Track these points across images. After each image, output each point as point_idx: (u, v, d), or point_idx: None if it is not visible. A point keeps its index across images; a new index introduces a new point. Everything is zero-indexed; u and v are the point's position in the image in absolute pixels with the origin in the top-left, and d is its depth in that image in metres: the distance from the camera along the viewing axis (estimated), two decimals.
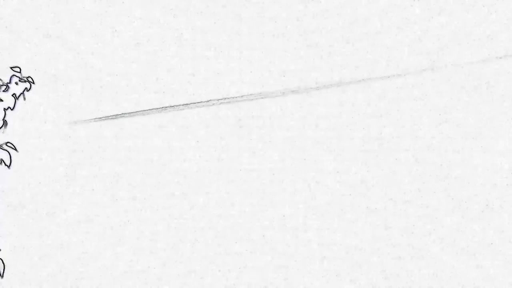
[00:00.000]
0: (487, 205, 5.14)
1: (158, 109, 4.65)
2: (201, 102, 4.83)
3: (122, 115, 4.61)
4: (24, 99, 4.23)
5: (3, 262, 4.26)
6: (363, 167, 5.17)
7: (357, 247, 5.13)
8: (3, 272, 4.20)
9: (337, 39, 5.22)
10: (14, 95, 4.20)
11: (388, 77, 5.18)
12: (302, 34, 5.20)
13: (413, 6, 5.22)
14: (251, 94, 4.97)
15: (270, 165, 5.14)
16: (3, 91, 4.17)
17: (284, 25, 5.22)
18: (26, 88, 4.21)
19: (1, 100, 4.18)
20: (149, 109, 4.65)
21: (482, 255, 5.08)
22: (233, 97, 4.93)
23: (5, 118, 4.19)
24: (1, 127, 4.19)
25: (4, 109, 4.20)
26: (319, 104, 5.20)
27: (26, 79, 4.20)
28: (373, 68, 5.21)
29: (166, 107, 4.76)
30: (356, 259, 5.10)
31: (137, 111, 4.59)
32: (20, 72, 4.24)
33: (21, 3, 4.33)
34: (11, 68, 4.21)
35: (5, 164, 4.22)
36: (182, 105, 4.74)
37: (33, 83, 4.22)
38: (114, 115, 4.52)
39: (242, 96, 4.96)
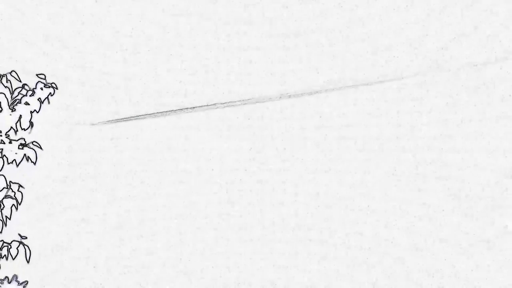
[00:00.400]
0: (487, 205, 5.10)
1: (165, 112, 4.78)
2: (207, 105, 4.91)
3: (137, 117, 4.75)
4: (49, 103, 4.55)
5: (29, 249, 4.58)
6: (363, 167, 5.12)
7: (357, 246, 5.08)
8: (29, 258, 4.57)
9: (337, 40, 5.16)
10: (39, 99, 4.52)
11: (388, 78, 5.12)
12: (303, 36, 5.14)
13: (414, 7, 5.18)
14: (259, 97, 4.98)
15: (273, 166, 5.08)
16: (30, 95, 4.51)
17: (286, 29, 5.16)
18: (50, 93, 4.53)
19: (28, 104, 4.50)
20: (163, 111, 4.77)
21: (483, 254, 5.05)
22: (239, 100, 4.97)
23: (32, 120, 4.52)
24: (28, 128, 4.53)
25: (31, 111, 4.51)
26: (321, 105, 5.13)
27: (50, 85, 4.52)
28: (373, 69, 5.17)
29: (175, 110, 4.84)
30: (356, 258, 5.06)
31: (155, 113, 4.77)
32: (45, 79, 4.56)
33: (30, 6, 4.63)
34: (37, 75, 4.53)
35: (31, 161, 4.54)
36: (198, 107, 4.85)
37: (57, 88, 4.53)
38: (128, 117, 4.70)
39: (249, 99, 4.97)
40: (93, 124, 4.68)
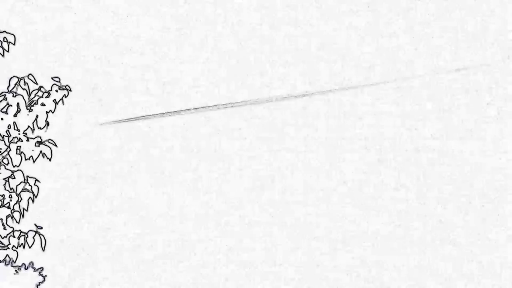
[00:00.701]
0: (487, 204, 5.14)
1: (171, 113, 4.89)
2: (208, 106, 4.97)
3: (144, 117, 4.89)
4: (63, 104, 4.81)
5: (44, 238, 4.83)
6: (363, 167, 5.14)
7: (357, 246, 5.11)
8: (44, 247, 4.92)
9: (336, 43, 5.16)
10: (54, 101, 4.79)
11: (388, 81, 5.13)
12: (302, 39, 5.13)
13: (414, 9, 5.17)
14: (258, 98, 5.01)
15: (275, 165, 5.10)
16: (45, 97, 4.79)
17: (288, 31, 5.15)
18: (64, 94, 4.80)
19: (44, 105, 4.77)
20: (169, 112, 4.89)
21: (483, 254, 5.09)
22: (240, 101, 5.02)
23: (47, 120, 4.80)
24: (44, 126, 4.80)
25: (46, 112, 4.78)
26: (322, 106, 5.14)
27: (64, 87, 4.80)
28: (373, 69, 5.17)
29: (181, 110, 4.94)
30: (357, 257, 5.09)
31: (168, 112, 4.91)
32: (59, 82, 4.82)
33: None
34: (52, 78, 4.80)
35: (47, 158, 4.81)
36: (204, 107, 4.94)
37: (70, 90, 4.80)
38: (138, 117, 4.87)
39: (250, 100, 5.01)
40: (101, 124, 4.91)
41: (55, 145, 4.85)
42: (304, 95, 5.10)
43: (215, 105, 4.98)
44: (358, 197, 5.09)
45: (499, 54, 5.12)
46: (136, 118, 4.95)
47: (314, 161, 5.11)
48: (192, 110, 4.98)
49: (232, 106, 4.98)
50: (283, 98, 5.08)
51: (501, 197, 5.08)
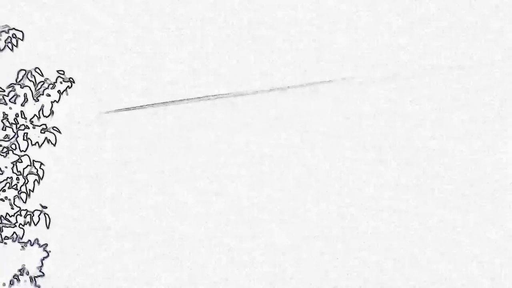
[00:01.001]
0: (487, 204, 5.09)
1: (166, 103, 5.05)
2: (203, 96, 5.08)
3: (140, 107, 5.10)
4: (67, 94, 5.13)
5: (48, 217, 5.13)
6: (363, 168, 5.12)
7: (356, 246, 5.10)
8: (49, 224, 5.15)
9: (335, 42, 5.17)
10: (58, 91, 5.12)
11: (388, 78, 5.10)
12: (300, 35, 5.15)
13: (414, 9, 5.15)
14: (256, 91, 5.06)
15: (267, 158, 5.11)
16: (51, 88, 5.12)
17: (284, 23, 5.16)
18: (68, 86, 5.14)
19: (49, 95, 5.10)
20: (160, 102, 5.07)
21: (483, 254, 5.05)
22: (230, 93, 5.07)
23: (52, 109, 5.12)
24: (49, 115, 5.11)
25: (51, 102, 5.11)
26: (321, 106, 5.13)
27: (68, 79, 5.15)
28: (373, 69, 5.16)
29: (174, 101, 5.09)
30: (357, 257, 5.07)
31: (172, 101, 5.08)
32: (64, 74, 5.16)
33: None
34: (57, 71, 5.15)
35: (51, 143, 5.13)
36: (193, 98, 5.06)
37: (74, 82, 5.13)
38: (132, 107, 5.10)
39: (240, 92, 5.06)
40: (101, 113, 5.17)
41: (59, 132, 5.16)
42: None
43: (195, 98, 5.17)
44: (358, 197, 5.09)
45: (499, 54, 5.07)
46: (134, 108, 5.19)
47: (314, 161, 5.13)
48: (185, 101, 5.15)
49: (217, 98, 5.10)
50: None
51: (501, 197, 5.02)
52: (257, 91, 5.16)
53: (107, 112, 5.20)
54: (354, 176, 5.11)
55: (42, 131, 5.10)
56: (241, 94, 5.17)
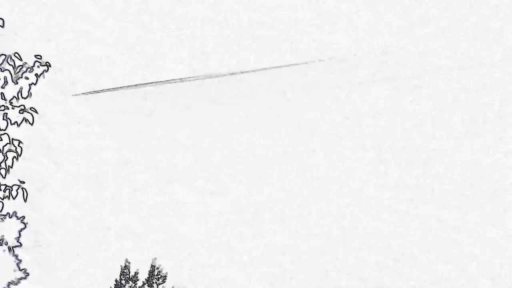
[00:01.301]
0: (487, 204, 5.10)
1: (141, 85, 5.23)
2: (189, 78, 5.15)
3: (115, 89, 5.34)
4: (44, 77, 5.48)
5: (26, 191, 5.35)
6: (363, 167, 5.14)
7: (355, 243, 5.11)
8: (26, 198, 5.32)
9: (336, 42, 5.18)
10: (36, 75, 5.47)
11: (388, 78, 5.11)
12: (299, 37, 5.15)
13: (415, 8, 5.17)
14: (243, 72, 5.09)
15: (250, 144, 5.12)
16: (29, 72, 5.47)
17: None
18: (44, 70, 5.49)
19: (27, 78, 5.45)
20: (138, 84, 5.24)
21: (483, 254, 5.06)
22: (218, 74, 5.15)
23: (30, 91, 5.46)
24: (27, 96, 5.45)
25: (29, 84, 5.47)
26: (321, 105, 5.14)
27: (45, 64, 5.49)
28: (372, 69, 5.19)
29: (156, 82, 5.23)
30: (357, 257, 5.09)
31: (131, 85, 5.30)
32: (41, 59, 5.49)
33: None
34: (35, 56, 5.48)
35: (29, 123, 5.46)
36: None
37: (50, 66, 5.47)
38: (109, 89, 5.33)
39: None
40: (74, 95, 5.43)
41: (36, 112, 5.48)
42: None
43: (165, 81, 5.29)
44: (358, 197, 5.11)
45: (499, 54, 5.09)
46: (103, 90, 5.41)
47: (314, 161, 5.15)
48: (154, 84, 5.29)
49: (241, 95, 5.13)
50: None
51: (501, 197, 5.03)
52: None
53: (81, 94, 5.46)
54: (354, 176, 5.12)
55: (21, 112, 5.44)
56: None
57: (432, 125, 5.13)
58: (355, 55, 5.17)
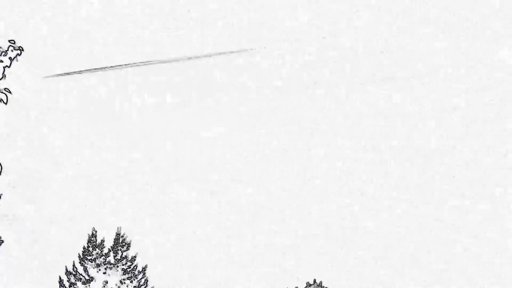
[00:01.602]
0: (487, 204, 5.10)
1: (104, 68, 5.45)
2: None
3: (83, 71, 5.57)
4: (17, 61, 5.68)
5: (1, 165, 5.48)
6: (363, 168, 5.15)
7: (355, 244, 5.11)
8: (0, 171, 5.50)
9: (337, 42, 5.21)
10: (10, 58, 5.68)
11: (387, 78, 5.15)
12: (305, 37, 5.16)
13: (415, 8, 5.20)
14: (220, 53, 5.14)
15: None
16: (3, 55, 5.65)
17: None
18: (18, 53, 5.70)
19: (2, 62, 5.64)
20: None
21: (484, 254, 5.07)
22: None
23: (4, 73, 5.64)
24: (1, 78, 5.63)
25: (3, 67, 5.65)
26: (322, 106, 5.16)
27: (18, 48, 5.70)
28: (373, 70, 5.22)
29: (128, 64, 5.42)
30: (357, 257, 5.10)
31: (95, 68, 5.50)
32: (14, 43, 5.69)
33: None
34: (8, 40, 5.68)
35: (3, 102, 5.65)
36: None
37: (23, 50, 5.67)
38: (82, 70, 5.53)
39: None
40: (45, 77, 5.63)
41: (10, 92, 5.70)
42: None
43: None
44: (358, 197, 5.12)
45: (499, 54, 5.10)
46: (69, 73, 5.64)
47: (314, 161, 5.16)
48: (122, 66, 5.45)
49: (241, 95, 5.14)
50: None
51: (501, 197, 5.05)
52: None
53: (51, 76, 5.69)
54: (354, 176, 5.13)
55: None
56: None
57: (432, 125, 5.15)
58: (355, 55, 5.21)
